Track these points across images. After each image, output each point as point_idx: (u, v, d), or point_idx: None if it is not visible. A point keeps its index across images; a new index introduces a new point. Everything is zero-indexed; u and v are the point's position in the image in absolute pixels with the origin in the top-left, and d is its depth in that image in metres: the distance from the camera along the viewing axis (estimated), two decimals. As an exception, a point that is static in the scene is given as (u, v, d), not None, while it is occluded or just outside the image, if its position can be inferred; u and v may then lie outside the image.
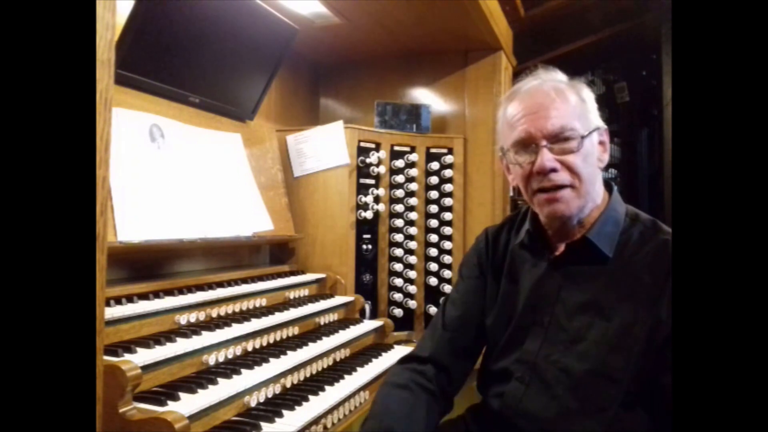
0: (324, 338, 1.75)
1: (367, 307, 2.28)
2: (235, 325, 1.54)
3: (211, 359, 1.41)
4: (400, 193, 2.45)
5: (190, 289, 1.61)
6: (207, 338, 1.41)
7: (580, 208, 1.25)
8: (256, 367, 1.43)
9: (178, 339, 1.36)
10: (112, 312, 1.30)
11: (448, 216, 2.57)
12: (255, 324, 1.58)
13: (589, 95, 1.31)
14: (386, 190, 2.43)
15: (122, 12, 1.49)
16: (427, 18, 2.34)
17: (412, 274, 2.49)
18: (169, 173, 1.67)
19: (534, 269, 1.35)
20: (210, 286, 1.69)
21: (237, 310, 1.67)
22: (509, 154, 1.30)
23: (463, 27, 2.44)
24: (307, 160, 2.34)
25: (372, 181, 2.39)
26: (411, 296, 2.49)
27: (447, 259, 2.55)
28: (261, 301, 1.80)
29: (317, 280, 2.17)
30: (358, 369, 1.70)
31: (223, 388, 1.28)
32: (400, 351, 1.97)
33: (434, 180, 2.55)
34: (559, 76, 1.33)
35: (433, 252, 2.55)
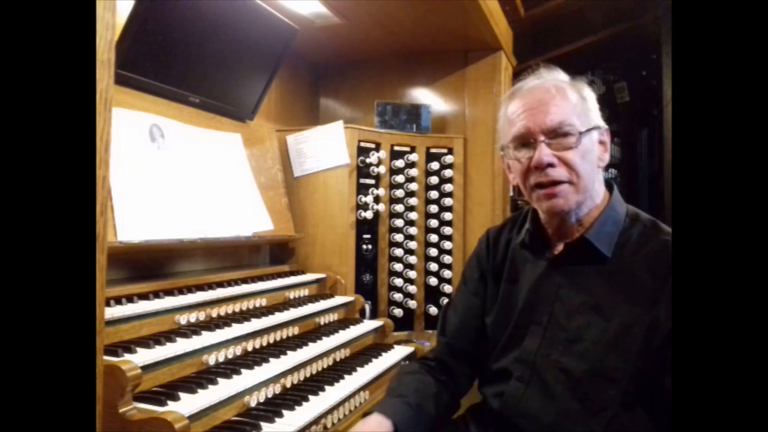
0: (324, 338, 1.75)
1: (367, 307, 2.28)
2: (235, 325, 1.54)
3: (211, 359, 1.41)
4: (400, 193, 2.45)
5: (190, 289, 1.61)
6: (207, 338, 1.41)
7: (578, 203, 1.25)
8: (256, 367, 1.42)
9: (178, 339, 1.36)
10: (112, 312, 1.30)
11: (448, 216, 2.57)
12: (255, 324, 1.58)
13: (590, 94, 1.32)
14: (386, 190, 2.43)
15: (122, 12, 1.49)
16: (427, 18, 2.34)
17: (412, 274, 2.49)
18: (169, 173, 1.67)
19: (534, 269, 1.36)
20: (210, 286, 1.69)
21: (237, 310, 1.67)
22: (509, 150, 1.31)
23: (463, 27, 2.44)
24: (307, 160, 2.34)
25: (372, 181, 2.39)
26: (411, 296, 2.49)
27: (447, 259, 2.55)
28: (261, 301, 1.80)
29: (317, 280, 2.17)
30: (358, 369, 1.70)
31: (223, 388, 1.28)
32: (400, 351, 1.97)
33: (434, 180, 2.55)
34: (561, 76, 1.34)
35: (433, 252, 2.55)
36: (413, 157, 2.50)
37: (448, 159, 2.58)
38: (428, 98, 2.80)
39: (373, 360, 1.81)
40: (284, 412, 1.32)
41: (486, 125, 2.67)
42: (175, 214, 1.64)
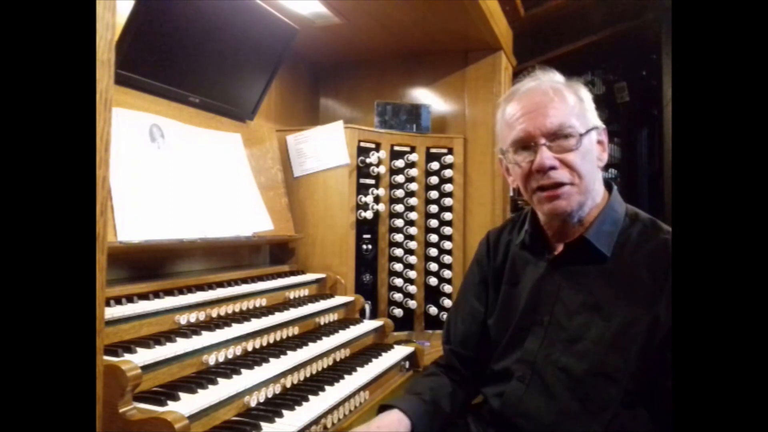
0: (324, 338, 1.75)
1: (367, 307, 2.28)
2: (235, 325, 1.53)
3: (211, 359, 1.41)
4: (400, 193, 2.45)
5: (190, 289, 1.61)
6: (207, 338, 1.41)
7: (580, 204, 1.26)
8: (256, 367, 1.42)
9: (178, 339, 1.36)
10: (112, 312, 1.30)
11: (448, 216, 2.57)
12: (255, 324, 1.58)
13: (586, 95, 1.32)
14: (386, 190, 2.43)
15: (122, 12, 1.49)
16: (427, 18, 2.34)
17: (412, 274, 2.49)
18: (169, 173, 1.67)
19: (534, 270, 1.36)
20: (210, 286, 1.69)
21: (237, 310, 1.67)
22: (508, 154, 1.30)
23: (463, 27, 2.43)
24: (307, 160, 2.34)
25: (372, 181, 2.39)
26: (411, 296, 2.49)
27: (447, 259, 2.55)
28: (261, 301, 1.80)
29: (317, 280, 2.17)
30: (358, 369, 1.70)
31: (223, 388, 1.28)
32: (400, 351, 1.97)
33: (434, 180, 2.55)
34: (557, 77, 1.34)
35: (433, 252, 2.55)
36: (413, 157, 2.50)
37: (448, 159, 2.58)
38: (428, 98, 2.80)
39: (373, 360, 1.81)
40: (284, 412, 1.32)
41: (486, 125, 2.67)
42: (175, 214, 1.64)
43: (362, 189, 2.36)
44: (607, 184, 1.35)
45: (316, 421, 1.36)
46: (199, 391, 1.25)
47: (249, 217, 1.97)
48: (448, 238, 2.57)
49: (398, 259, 2.47)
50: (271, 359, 1.49)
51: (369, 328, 2.01)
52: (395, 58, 2.83)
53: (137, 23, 1.55)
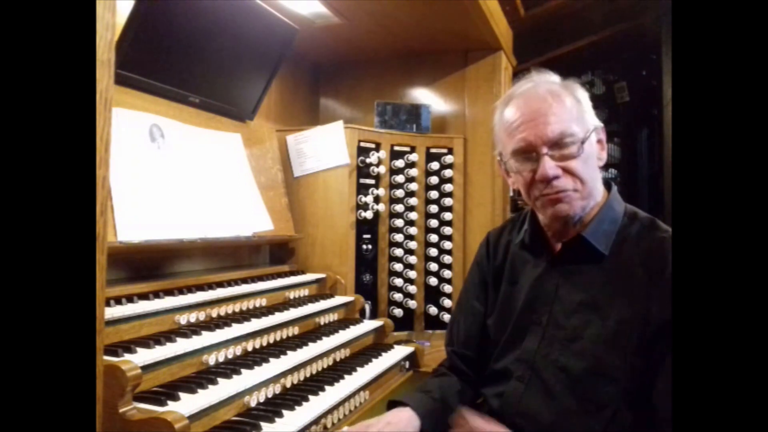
0: (324, 338, 1.75)
1: (367, 307, 2.27)
2: (235, 325, 1.53)
3: (211, 359, 1.41)
4: (400, 193, 2.45)
5: (190, 289, 1.61)
6: (207, 338, 1.41)
7: (583, 208, 1.26)
8: (256, 367, 1.42)
9: (178, 339, 1.36)
10: (112, 312, 1.30)
11: (448, 216, 2.57)
12: (255, 324, 1.58)
13: (583, 95, 1.31)
14: (386, 190, 2.43)
15: (122, 12, 1.49)
16: (427, 18, 2.34)
17: (412, 274, 2.49)
18: (169, 173, 1.67)
19: (533, 269, 1.36)
20: (210, 286, 1.69)
21: (237, 310, 1.67)
22: (509, 162, 1.30)
23: (463, 27, 2.43)
24: (307, 160, 2.34)
25: (372, 181, 2.39)
26: (411, 296, 2.49)
27: (447, 259, 2.54)
28: (261, 301, 1.80)
29: (317, 280, 2.17)
30: (358, 369, 1.70)
31: (223, 388, 1.28)
32: (400, 351, 1.97)
33: (434, 180, 2.55)
34: (552, 78, 1.33)
35: (433, 252, 2.55)
36: (413, 157, 2.50)
37: (448, 159, 2.58)
38: (428, 98, 2.80)
39: (373, 360, 1.81)
40: (284, 412, 1.33)
41: (486, 125, 2.66)
42: (175, 214, 1.64)
43: (362, 189, 2.35)
44: (606, 184, 1.35)
45: (316, 421, 1.36)
46: (199, 391, 1.25)
47: (249, 217, 1.97)
48: (448, 238, 2.57)
49: (398, 259, 2.47)
50: (271, 359, 1.49)
51: (369, 328, 2.01)
52: (395, 58, 2.83)
53: (137, 23, 1.55)
